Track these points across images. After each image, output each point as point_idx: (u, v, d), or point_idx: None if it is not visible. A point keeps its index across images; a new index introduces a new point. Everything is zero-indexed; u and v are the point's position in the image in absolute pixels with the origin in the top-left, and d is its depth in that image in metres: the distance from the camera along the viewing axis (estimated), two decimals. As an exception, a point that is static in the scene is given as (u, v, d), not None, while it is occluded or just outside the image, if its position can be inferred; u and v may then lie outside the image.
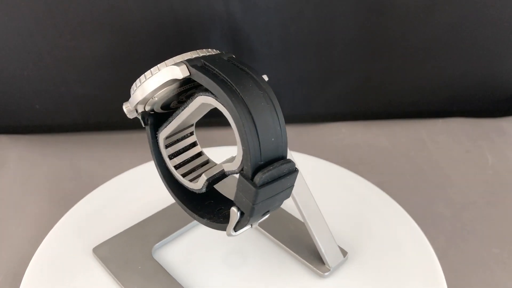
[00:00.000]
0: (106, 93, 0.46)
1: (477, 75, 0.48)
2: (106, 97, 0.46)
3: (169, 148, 0.26)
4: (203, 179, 0.24)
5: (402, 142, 0.47)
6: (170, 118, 0.24)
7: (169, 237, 0.31)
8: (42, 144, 0.47)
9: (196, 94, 0.22)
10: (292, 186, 0.23)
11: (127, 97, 0.24)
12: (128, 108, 0.24)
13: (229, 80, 0.20)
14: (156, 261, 0.29)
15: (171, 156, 0.26)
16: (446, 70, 0.48)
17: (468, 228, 0.36)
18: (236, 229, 0.22)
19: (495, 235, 0.36)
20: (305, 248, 0.30)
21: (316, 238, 0.27)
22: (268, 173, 0.20)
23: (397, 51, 0.46)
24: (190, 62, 0.21)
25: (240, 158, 0.21)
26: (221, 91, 0.20)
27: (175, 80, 0.22)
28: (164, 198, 0.30)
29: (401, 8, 0.44)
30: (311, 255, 0.29)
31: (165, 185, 0.26)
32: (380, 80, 0.48)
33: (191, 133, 0.27)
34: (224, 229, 0.23)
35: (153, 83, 0.22)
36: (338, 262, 0.29)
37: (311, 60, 0.47)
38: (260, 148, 0.20)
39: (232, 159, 0.22)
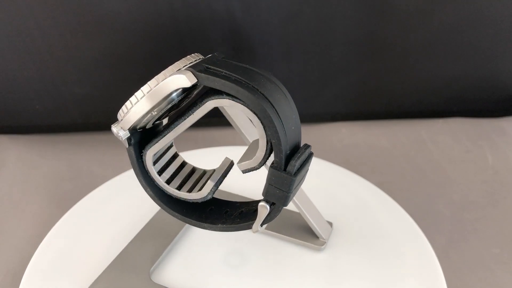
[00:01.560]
0: (106, 93, 0.46)
1: (477, 75, 0.48)
2: (106, 97, 0.46)
3: (156, 165, 0.25)
4: (209, 185, 0.24)
5: (402, 142, 0.47)
6: (166, 131, 0.23)
7: (162, 255, 0.29)
8: (41, 144, 0.47)
9: (206, 99, 0.21)
10: (308, 170, 0.23)
11: (127, 96, 0.24)
12: (119, 130, 0.23)
13: (242, 78, 0.20)
14: (158, 284, 0.27)
15: (159, 172, 0.25)
16: (446, 71, 0.48)
17: (468, 228, 0.36)
18: (263, 223, 0.23)
19: (495, 235, 0.35)
20: (295, 230, 0.31)
21: (308, 216, 0.29)
22: (299, 160, 0.21)
23: (397, 51, 0.46)
24: (194, 68, 0.21)
25: (262, 154, 0.21)
26: (243, 90, 0.20)
27: (172, 92, 0.21)
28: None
29: (401, 8, 0.44)
30: (305, 235, 0.30)
31: (159, 204, 0.25)
32: (380, 80, 0.48)
33: (172, 145, 0.26)
34: (246, 228, 0.24)
35: (156, 95, 0.21)
36: (329, 233, 0.31)
37: (311, 60, 0.47)
38: (287, 139, 0.21)
39: (246, 158, 0.22)
